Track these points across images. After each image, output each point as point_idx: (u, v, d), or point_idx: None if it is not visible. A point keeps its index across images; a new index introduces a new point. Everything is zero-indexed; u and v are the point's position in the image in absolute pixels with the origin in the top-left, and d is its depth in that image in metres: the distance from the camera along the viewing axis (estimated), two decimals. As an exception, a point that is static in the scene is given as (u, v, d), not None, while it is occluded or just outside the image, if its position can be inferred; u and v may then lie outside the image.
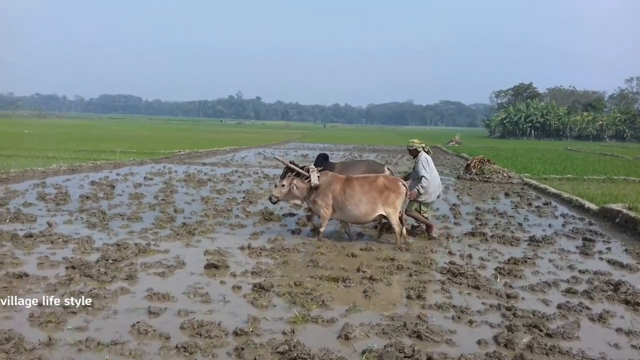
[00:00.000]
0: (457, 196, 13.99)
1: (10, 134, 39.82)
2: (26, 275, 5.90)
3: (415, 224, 9.38)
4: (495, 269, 6.97)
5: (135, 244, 7.43)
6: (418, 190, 8.56)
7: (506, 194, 14.69)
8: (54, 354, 4.08)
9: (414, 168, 9.03)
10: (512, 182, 17.60)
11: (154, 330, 4.54)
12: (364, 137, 63.08)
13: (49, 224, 8.56)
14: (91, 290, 5.45)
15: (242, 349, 4.21)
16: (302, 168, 8.94)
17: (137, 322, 4.64)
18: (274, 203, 8.80)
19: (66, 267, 6.28)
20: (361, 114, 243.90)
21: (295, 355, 4.10)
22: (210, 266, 6.54)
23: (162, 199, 11.64)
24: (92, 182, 13.97)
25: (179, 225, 8.98)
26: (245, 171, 18.76)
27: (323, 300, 5.45)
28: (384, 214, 8.01)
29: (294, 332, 4.67)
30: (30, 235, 7.72)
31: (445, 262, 7.23)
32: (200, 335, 4.51)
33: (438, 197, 9.28)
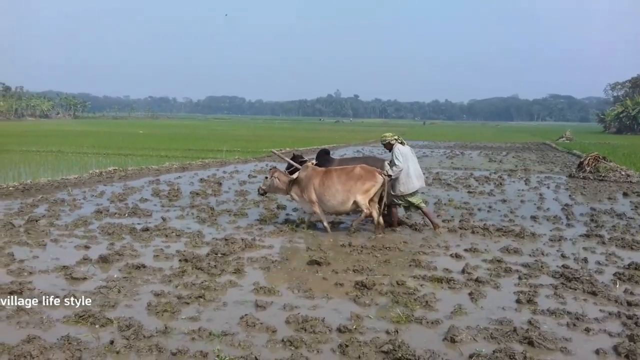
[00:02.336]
0: (570, 196, 13.16)
1: (127, 134, 43.01)
2: (144, 266, 6.33)
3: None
4: (614, 274, 6.46)
5: (242, 239, 7.71)
6: (388, 173, 8.48)
7: (625, 194, 13.59)
8: (169, 342, 4.32)
9: (391, 161, 8.80)
10: (631, 181, 16.25)
11: (261, 323, 4.68)
12: (465, 134, 61.25)
13: (163, 219, 9.13)
14: (202, 283, 5.73)
15: (347, 346, 4.22)
16: (301, 162, 9.05)
17: (245, 315, 4.81)
18: (261, 195, 9.39)
19: (179, 260, 6.66)
20: (462, 110, 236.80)
21: (400, 355, 4.05)
22: (312, 262, 6.63)
23: (266, 196, 11.98)
24: (201, 179, 14.74)
25: (282, 221, 9.20)
26: (344, 169, 18.83)
27: (427, 301, 5.34)
28: (357, 200, 8.16)
29: (397, 332, 4.61)
30: (146, 229, 8.27)
31: (558, 266, 6.82)
32: (305, 330, 4.58)
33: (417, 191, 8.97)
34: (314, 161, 9.18)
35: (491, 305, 5.41)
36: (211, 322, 4.74)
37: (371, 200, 8.31)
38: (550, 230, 8.95)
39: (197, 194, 12.06)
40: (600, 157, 18.19)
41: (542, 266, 6.76)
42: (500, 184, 15.36)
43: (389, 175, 8.51)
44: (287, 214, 9.92)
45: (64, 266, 6.24)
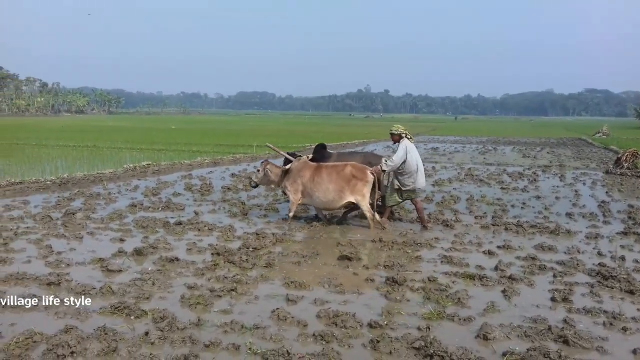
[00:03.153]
0: (607, 192, 12.82)
1: (160, 130, 43.70)
2: (177, 259, 6.43)
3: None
4: (654, 274, 6.27)
5: (273, 234, 7.76)
6: (381, 167, 8.38)
7: (665, 191, 13.18)
8: (202, 334, 4.38)
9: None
10: (672, 178, 15.75)
11: (292, 317, 4.71)
12: (498, 129, 60.26)
13: (196, 213, 9.25)
14: (234, 276, 5.79)
15: (378, 341, 4.21)
16: (296, 157, 9.11)
17: (277, 309, 4.84)
18: (253, 187, 9.52)
19: (212, 254, 6.74)
20: (495, 105, 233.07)
21: (432, 352, 4.01)
22: (343, 258, 6.63)
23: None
24: (233, 174, 14.89)
25: (312, 216, 9.22)
26: (375, 165, 18.77)
27: (459, 298, 5.29)
28: (354, 201, 8.26)
29: (429, 328, 4.58)
30: (180, 223, 8.39)
31: (594, 264, 6.66)
32: (336, 325, 4.59)
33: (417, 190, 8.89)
34: (310, 156, 9.31)
35: (525, 303, 5.32)
36: (243, 316, 4.79)
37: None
38: (587, 228, 8.75)
39: (228, 188, 12.19)
40: (639, 153, 17.67)
41: (578, 264, 6.61)
42: (535, 180, 15.08)
43: (383, 170, 8.46)
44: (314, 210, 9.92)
45: (100, 259, 6.39)
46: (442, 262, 6.68)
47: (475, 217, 9.42)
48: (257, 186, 9.36)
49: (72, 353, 3.94)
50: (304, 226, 8.51)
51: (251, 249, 6.96)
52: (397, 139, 8.81)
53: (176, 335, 4.29)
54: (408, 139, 8.75)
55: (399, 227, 8.65)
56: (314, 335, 4.37)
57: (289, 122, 76.70)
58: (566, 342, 4.34)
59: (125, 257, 6.54)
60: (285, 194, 9.15)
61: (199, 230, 8.08)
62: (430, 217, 9.22)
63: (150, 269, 6.07)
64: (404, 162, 8.47)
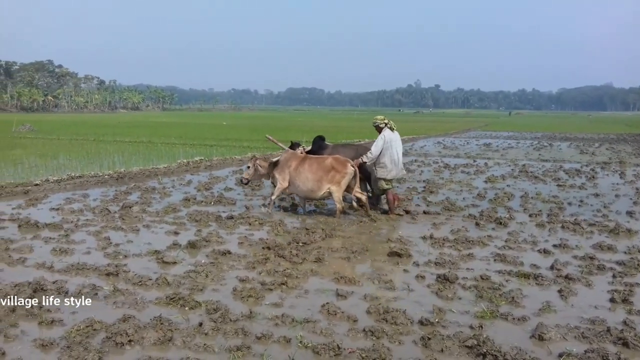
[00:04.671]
0: (671, 190, 12.22)
1: (211, 125, 44.60)
2: (229, 252, 6.55)
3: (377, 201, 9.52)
4: None
5: (322, 229, 7.79)
6: (362, 160, 8.84)
7: None
8: (254, 326, 4.44)
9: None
10: None
11: (342, 312, 4.71)
12: (554, 125, 58.43)
13: (247, 208, 9.40)
14: (284, 270, 5.85)
15: (429, 338, 4.16)
16: (293, 147, 9.62)
17: (327, 303, 4.86)
18: (244, 184, 9.75)
19: (262, 248, 6.83)
20: (551, 100, 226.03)
21: (485, 351, 3.94)
22: (393, 254, 6.59)
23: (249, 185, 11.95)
24: (282, 169, 14.99)
25: (361, 212, 9.20)
26: (424, 160, 18.58)
27: (513, 297, 5.16)
28: (329, 191, 8.56)
29: (482, 327, 4.49)
30: (231, 217, 8.55)
31: (657, 265, 6.36)
32: (386, 321, 4.57)
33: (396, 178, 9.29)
34: (308, 148, 9.72)
35: (582, 303, 5.14)
36: (293, 309, 4.83)
37: (349, 189, 8.82)
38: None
39: (278, 183, 12.30)
40: None
41: (638, 264, 6.33)
42: (593, 177, 14.53)
43: (364, 162, 8.89)
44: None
45: (156, 250, 6.59)
46: (495, 260, 6.53)
47: (530, 215, 9.17)
48: (248, 183, 9.60)
49: (130, 341, 4.07)
50: (353, 222, 8.51)
51: (301, 244, 7.01)
52: (378, 130, 9.12)
53: (229, 327, 4.37)
54: (389, 128, 9.01)
55: (450, 224, 8.51)
56: (364, 330, 4.36)
57: (336, 118, 76.75)
58: (625, 344, 4.17)
59: (179, 249, 6.72)
60: (274, 184, 9.41)
61: (250, 224, 8.20)
62: (483, 215, 9.03)
63: (203, 261, 6.21)
64: (380, 152, 8.84)
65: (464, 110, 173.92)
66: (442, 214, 9.28)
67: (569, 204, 10.42)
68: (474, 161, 18.63)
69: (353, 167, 8.61)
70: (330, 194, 8.67)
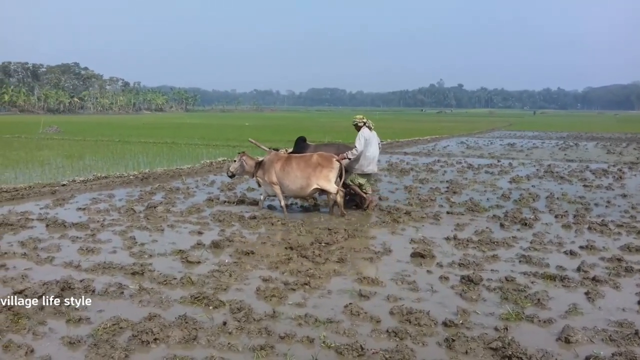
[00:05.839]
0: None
1: (234, 126, 44.89)
2: (252, 252, 6.58)
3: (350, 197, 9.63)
4: None
5: (345, 229, 7.79)
6: (347, 156, 9.08)
7: None
8: (277, 326, 4.46)
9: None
10: None
11: (365, 313, 4.70)
12: (580, 124, 57.47)
13: (269, 208, 9.43)
14: (307, 270, 5.86)
15: (453, 340, 4.13)
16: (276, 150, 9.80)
17: (350, 304, 4.85)
18: (230, 177, 10.05)
19: (285, 248, 6.85)
20: (577, 99, 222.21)
21: (510, 353, 3.89)
22: (416, 255, 6.55)
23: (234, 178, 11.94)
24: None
25: (384, 212, 9.17)
26: (447, 161, 18.43)
27: (538, 299, 5.09)
28: (319, 187, 8.79)
29: (507, 329, 4.44)
30: (254, 217, 8.60)
31: (688, 267, 6.21)
32: (410, 322, 4.54)
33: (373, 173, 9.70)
34: (290, 149, 9.99)
35: (610, 306, 5.05)
36: (316, 309, 4.84)
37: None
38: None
39: (300, 184, 12.32)
40: None
41: (670, 267, 6.19)
42: (620, 177, 14.25)
43: (349, 158, 9.11)
44: (388, 205, 9.86)
45: (180, 250, 6.66)
46: (520, 261, 6.45)
47: (556, 216, 9.03)
48: (233, 176, 9.90)
49: (155, 339, 4.12)
50: (375, 222, 8.49)
51: (323, 244, 7.02)
52: (357, 128, 9.54)
53: (252, 326, 4.40)
54: (367, 127, 9.42)
55: (474, 225, 8.43)
56: (387, 331, 4.35)
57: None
58: (656, 348, 4.08)
59: (203, 249, 6.78)
60: (259, 184, 9.65)
61: (272, 224, 8.24)
62: (507, 216, 8.92)
63: (226, 261, 6.26)
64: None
65: (488, 109, 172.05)
66: (465, 214, 9.20)
67: (596, 204, 10.23)
68: (498, 161, 18.43)
69: (338, 162, 8.90)
70: (317, 191, 8.93)
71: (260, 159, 9.49)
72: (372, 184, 9.87)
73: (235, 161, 9.71)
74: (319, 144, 10.85)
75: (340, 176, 8.94)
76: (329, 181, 8.82)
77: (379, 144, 9.73)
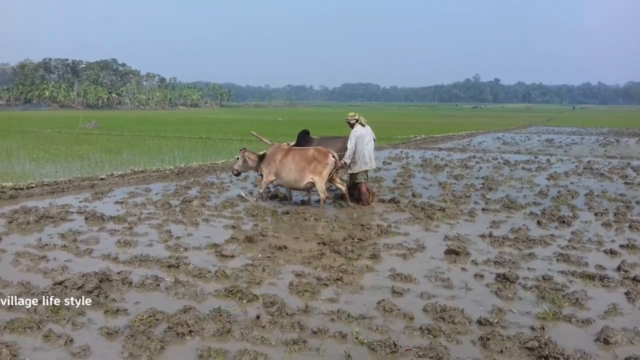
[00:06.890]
0: None
1: (267, 121, 45.17)
2: (285, 247, 6.62)
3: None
4: None
5: (378, 225, 7.75)
6: (345, 162, 9.20)
7: None
8: (310, 321, 4.48)
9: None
10: None
11: (398, 310, 4.68)
12: (621, 120, 55.76)
13: (302, 203, 9.48)
14: (340, 266, 5.86)
15: (488, 339, 4.07)
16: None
17: (382, 300, 4.83)
18: (236, 175, 10.22)
19: (318, 243, 6.87)
20: (618, 93, 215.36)
21: (547, 353, 3.81)
22: (450, 252, 6.48)
23: (401, 183, 11.95)
24: (337, 165, 15.01)
25: (418, 209, 9.09)
26: (483, 157, 18.14)
27: (577, 299, 4.97)
28: (312, 181, 8.85)
29: (543, 328, 4.35)
30: (287, 212, 8.64)
31: None
32: (444, 319, 4.50)
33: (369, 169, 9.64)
34: (293, 143, 10.16)
35: (652, 307, 4.90)
36: (349, 305, 4.84)
37: (332, 180, 9.18)
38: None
39: (333, 179, 12.32)
40: None
41: None
42: (664, 174, 13.77)
43: (346, 162, 9.21)
44: (421, 202, 9.76)
45: (215, 244, 6.75)
46: (557, 260, 6.31)
47: (595, 214, 8.80)
48: (239, 174, 10.05)
49: (190, 332, 4.19)
50: (409, 219, 8.42)
51: (356, 240, 7.01)
52: (350, 126, 9.56)
53: (285, 320, 4.42)
54: (360, 124, 9.44)
55: (510, 222, 8.28)
56: (420, 328, 4.32)
57: (392, 113, 76.09)
58: (702, 352, 3.94)
59: (237, 243, 6.85)
60: (262, 176, 9.68)
61: (305, 219, 8.26)
62: (545, 213, 8.73)
63: (260, 255, 6.31)
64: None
65: (525, 104, 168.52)
66: (501, 211, 9.05)
67: (638, 202, 9.92)
68: (536, 157, 18.04)
69: (334, 157, 8.96)
70: (312, 184, 8.99)
71: (262, 152, 9.63)
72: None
73: (237, 159, 9.86)
74: (324, 137, 11.01)
75: (337, 172, 9.20)
76: (321, 178, 8.92)
77: (373, 138, 9.72)
